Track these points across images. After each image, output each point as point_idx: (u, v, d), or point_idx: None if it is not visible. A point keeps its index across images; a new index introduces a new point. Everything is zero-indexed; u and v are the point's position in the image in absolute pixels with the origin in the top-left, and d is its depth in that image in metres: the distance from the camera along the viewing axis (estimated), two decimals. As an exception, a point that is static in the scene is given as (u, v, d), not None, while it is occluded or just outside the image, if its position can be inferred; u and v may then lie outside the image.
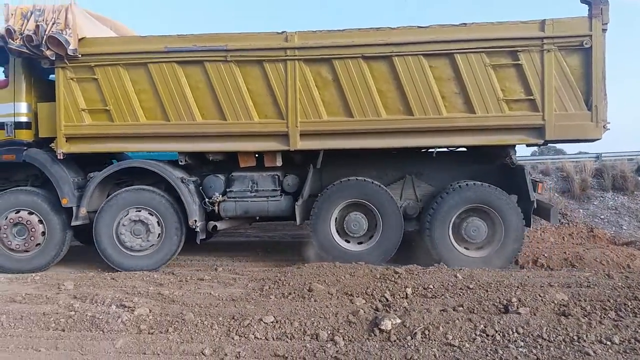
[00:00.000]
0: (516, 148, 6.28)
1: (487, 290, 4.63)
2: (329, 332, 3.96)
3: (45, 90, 6.59)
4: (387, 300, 4.56)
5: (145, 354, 3.84)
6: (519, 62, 5.86)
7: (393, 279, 5.07)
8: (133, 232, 6.41)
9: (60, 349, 3.98)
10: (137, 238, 6.41)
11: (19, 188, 6.65)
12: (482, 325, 3.89)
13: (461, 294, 4.62)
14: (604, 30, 5.82)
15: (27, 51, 6.11)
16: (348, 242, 6.36)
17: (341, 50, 6.01)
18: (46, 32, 5.97)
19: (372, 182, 6.23)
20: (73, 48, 6.12)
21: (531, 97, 5.90)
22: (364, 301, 4.57)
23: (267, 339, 3.93)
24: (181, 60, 6.20)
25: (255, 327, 4.08)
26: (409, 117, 6.04)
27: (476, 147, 6.33)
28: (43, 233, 6.54)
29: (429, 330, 3.86)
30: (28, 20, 6.09)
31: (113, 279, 5.77)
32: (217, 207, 6.53)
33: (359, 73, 6.02)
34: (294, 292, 4.89)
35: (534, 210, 6.36)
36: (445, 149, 6.77)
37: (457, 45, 5.89)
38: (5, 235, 6.50)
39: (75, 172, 6.69)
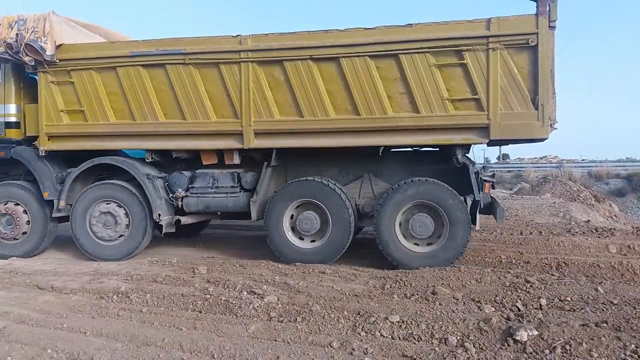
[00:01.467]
0: (475, 148, 6.25)
1: (634, 307, 4.23)
2: (459, 337, 3.84)
3: (32, 93, 7.19)
4: (519, 310, 4.35)
5: (275, 340, 3.92)
6: (464, 61, 5.83)
7: (524, 288, 4.85)
8: (103, 223, 6.90)
9: (199, 329, 4.17)
10: (107, 229, 6.89)
11: (7, 182, 7.31)
12: (632, 345, 3.53)
13: (604, 309, 4.26)
14: (552, 27, 5.70)
15: (9, 57, 6.73)
16: (302, 240, 6.54)
17: (291, 52, 6.21)
18: (24, 40, 6.56)
19: (321, 182, 6.37)
20: (50, 54, 6.67)
21: (476, 97, 5.85)
22: (494, 309, 4.40)
23: (393, 338, 3.89)
24: (145, 64, 6.61)
25: (381, 325, 4.07)
26: (356, 117, 6.15)
27: (424, 146, 6.35)
28: (28, 222, 7.17)
29: (570, 346, 3.60)
30: (12, 29, 6.72)
31: (241, 266, 6.14)
32: (180, 202, 6.91)
33: (309, 74, 6.19)
34: (417, 294, 4.86)
35: (486, 209, 6.34)
36: (408, 149, 6.84)
37: (402, 45, 5.94)
38: None
39: (60, 167, 7.25)
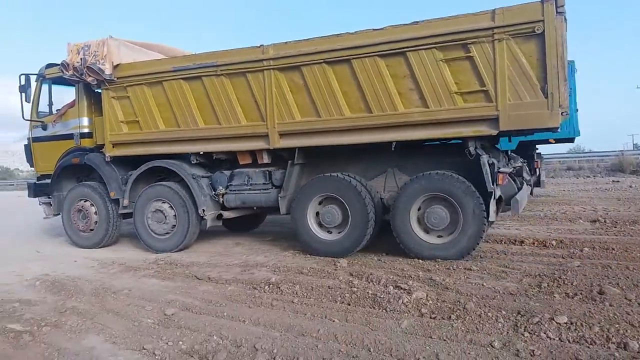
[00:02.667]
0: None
1: None
2: (641, 342, 3.46)
3: (100, 108, 8.33)
4: None
5: (431, 337, 3.83)
6: (471, 54, 5.84)
7: None
8: (156, 219, 7.84)
9: (351, 322, 4.21)
10: (159, 224, 7.82)
11: (82, 183, 8.55)
12: None
13: None
14: (560, 13, 5.54)
15: (77, 78, 7.88)
16: (326, 232, 6.94)
17: (307, 57, 6.59)
18: (87, 63, 7.65)
19: (339, 177, 6.72)
20: (108, 74, 7.71)
21: (484, 89, 5.85)
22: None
23: (562, 341, 3.62)
24: (185, 77, 7.38)
25: (546, 326, 3.83)
26: (368, 114, 6.42)
27: (435, 140, 6.44)
28: (96, 217, 8.35)
29: None
30: (79, 54, 7.85)
31: (380, 260, 6.30)
32: (221, 199, 7.65)
33: (324, 77, 6.55)
34: (581, 293, 4.55)
35: (507, 201, 6.30)
36: (431, 142, 6.95)
37: (409, 43, 6.07)
38: (75, 219, 8.46)
39: (125, 170, 8.32)
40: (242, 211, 7.96)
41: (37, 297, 5.49)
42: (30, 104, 8.79)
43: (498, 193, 6.13)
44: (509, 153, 7.71)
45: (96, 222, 8.37)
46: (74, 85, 8.50)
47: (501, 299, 4.57)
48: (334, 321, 4.26)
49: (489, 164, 6.09)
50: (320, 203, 6.96)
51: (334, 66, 6.52)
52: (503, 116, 5.79)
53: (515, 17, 5.64)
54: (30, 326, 4.50)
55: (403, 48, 6.12)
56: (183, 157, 7.90)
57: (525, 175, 7.48)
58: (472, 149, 6.11)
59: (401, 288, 4.90)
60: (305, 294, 5.04)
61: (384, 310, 4.44)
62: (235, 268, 6.35)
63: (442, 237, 6.32)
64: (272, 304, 4.78)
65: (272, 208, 7.52)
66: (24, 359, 3.87)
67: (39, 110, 8.92)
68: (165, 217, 7.75)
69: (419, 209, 6.41)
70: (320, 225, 6.95)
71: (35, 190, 9.13)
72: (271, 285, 5.34)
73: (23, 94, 8.47)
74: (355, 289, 4.94)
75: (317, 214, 6.95)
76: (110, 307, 4.98)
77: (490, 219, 6.00)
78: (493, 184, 5.97)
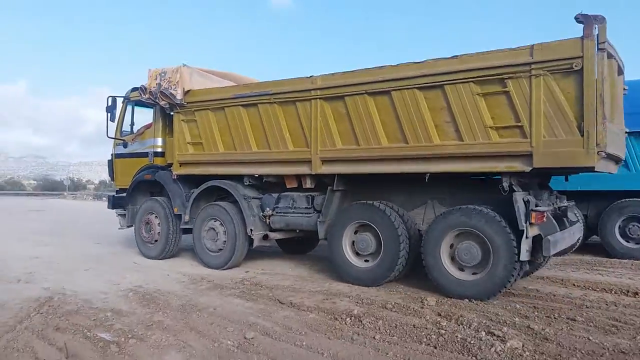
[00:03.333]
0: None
1: None
2: None
3: (172, 129, 9.18)
4: None
5: None
6: (507, 89, 5.78)
7: None
8: (210, 237, 8.40)
9: None
10: (211, 241, 8.37)
11: (151, 198, 9.38)
12: None
13: None
14: (601, 50, 5.35)
15: (152, 102, 8.80)
16: (367, 261, 7.02)
17: (351, 88, 6.86)
18: (160, 89, 8.54)
19: (374, 205, 6.82)
20: (179, 98, 8.53)
21: (519, 124, 5.74)
22: None
23: None
24: (244, 104, 7.98)
25: None
26: (405, 144, 6.53)
27: (469, 173, 6.36)
28: (160, 231, 9.10)
29: None
30: (156, 80, 8.78)
31: (472, 302, 5.89)
32: (268, 220, 8.05)
33: (365, 107, 6.78)
34: None
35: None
36: (476, 177, 6.88)
37: (447, 77, 6.13)
38: (142, 231, 9.30)
39: (190, 188, 9.03)
40: (287, 233, 8.29)
41: (128, 308, 5.76)
42: (115, 123, 9.90)
43: (533, 232, 5.90)
44: (554, 192, 7.36)
45: (159, 234, 9.12)
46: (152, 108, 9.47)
47: (610, 357, 4.11)
48: None
49: (524, 201, 5.91)
50: (355, 231, 7.10)
51: (375, 97, 6.73)
52: (537, 153, 5.64)
53: (554, 53, 5.53)
54: (118, 337, 4.69)
55: (441, 81, 6.21)
56: (239, 178, 8.43)
57: (571, 216, 7.08)
58: (505, 184, 5.98)
59: (494, 335, 4.53)
60: (388, 330, 4.81)
61: (474, 358, 4.11)
62: (318, 295, 6.31)
63: (474, 274, 6.18)
64: (353, 338, 4.59)
65: (313, 232, 7.77)
66: None
67: (123, 129, 10.02)
68: (217, 234, 8.29)
69: (450, 245, 6.33)
70: (355, 252, 7.08)
71: (114, 202, 10.18)
72: (353, 318, 5.17)
73: (109, 114, 9.57)
74: (443, 332, 4.64)
75: (353, 242, 7.09)
76: (194, 325, 5.09)
77: (522, 258, 5.78)
78: (526, 222, 5.78)
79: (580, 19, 5.37)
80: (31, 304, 5.91)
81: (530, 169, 5.72)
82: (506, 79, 5.81)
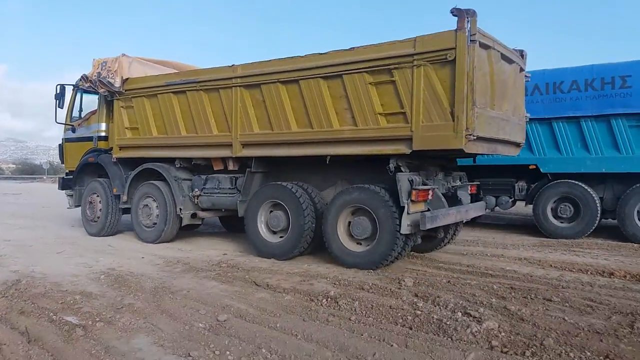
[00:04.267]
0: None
1: None
2: None
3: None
4: None
5: None
6: (393, 78, 6.34)
7: None
8: (145, 213, 8.93)
9: (411, 348, 3.85)
10: (146, 218, 8.91)
11: (94, 179, 9.89)
12: None
13: None
14: (473, 42, 5.88)
15: (92, 90, 9.30)
16: (273, 234, 7.59)
17: (266, 76, 7.38)
18: (99, 77, 9.03)
19: (283, 185, 7.36)
20: (117, 86, 9.02)
21: (403, 111, 6.29)
22: None
23: None
24: (174, 91, 8.48)
25: None
26: (310, 129, 7.06)
27: (362, 156, 6.89)
28: (101, 209, 9.63)
29: None
30: (98, 69, 9.27)
31: (450, 282, 5.87)
32: (197, 200, 8.58)
33: (278, 94, 7.30)
34: None
35: None
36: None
37: (345, 67, 6.67)
38: (86, 209, 9.83)
39: (130, 170, 9.51)
40: (215, 212, 8.83)
41: (98, 291, 5.59)
42: (66, 109, 10.39)
43: (416, 208, 6.43)
44: (457, 174, 7.96)
45: (100, 212, 9.64)
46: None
47: (585, 337, 4.04)
48: (392, 345, 3.90)
49: (408, 181, 6.47)
50: (271, 210, 7.64)
51: (287, 85, 7.24)
52: (416, 136, 6.19)
53: (432, 45, 6.07)
54: (85, 320, 4.54)
55: (340, 71, 6.73)
56: (172, 160, 8.94)
57: (462, 195, 7.65)
58: (392, 165, 6.52)
59: (470, 315, 4.47)
60: (364, 312, 4.73)
61: (449, 339, 4.01)
62: (295, 277, 6.21)
63: (366, 246, 6.74)
64: (328, 320, 4.51)
65: (236, 210, 8.31)
66: (72, 354, 3.85)
67: (73, 115, 10.50)
68: (151, 211, 8.83)
69: (346, 219, 6.89)
70: (269, 229, 7.62)
71: (63, 184, 10.69)
72: (329, 299, 5.09)
73: (57, 101, 10.05)
74: (419, 312, 4.60)
75: (268, 220, 7.63)
76: (166, 307, 4.93)
77: (402, 232, 6.33)
78: (407, 199, 6.32)
79: (455, 12, 5.91)
80: (-3, 287, 5.72)
81: (411, 151, 6.27)
82: (392, 69, 6.34)
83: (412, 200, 6.33)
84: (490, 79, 6.39)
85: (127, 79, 9.11)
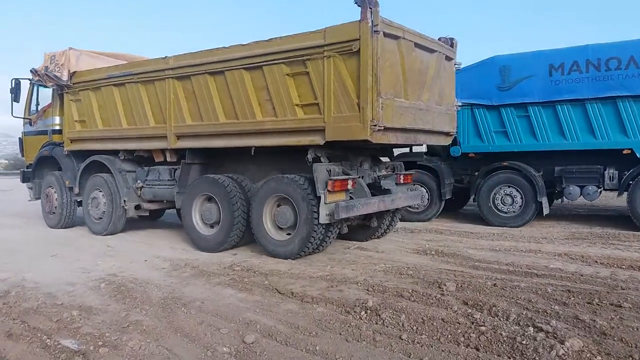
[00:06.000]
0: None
1: None
2: None
3: None
4: None
5: None
6: (307, 70, 6.36)
7: None
8: (94, 205, 9.11)
9: None
10: (94, 209, 9.09)
11: (50, 173, 10.08)
12: None
13: None
14: (376, 32, 5.86)
15: (41, 84, 9.43)
16: (209, 226, 7.70)
17: (195, 68, 7.44)
18: (46, 72, 9.15)
19: (214, 178, 7.44)
20: (65, 79, 9.14)
21: (316, 102, 6.33)
22: None
23: None
24: (114, 83, 8.58)
25: None
26: (236, 121, 7.13)
27: (283, 147, 6.93)
28: (57, 202, 9.83)
29: None
30: (47, 63, 9.39)
31: (495, 285, 5.20)
32: (140, 192, 8.73)
33: (206, 86, 7.36)
34: None
35: None
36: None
37: (265, 58, 6.69)
38: (44, 202, 10.05)
39: (82, 162, 9.66)
40: (158, 204, 8.96)
41: (99, 304, 4.88)
42: (24, 104, 10.56)
43: (334, 198, 6.47)
44: (381, 164, 7.99)
45: (56, 206, 9.85)
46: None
47: None
48: None
49: (327, 171, 6.51)
50: (202, 201, 7.73)
51: (214, 76, 7.29)
52: (328, 128, 6.24)
53: (340, 36, 6.08)
54: (85, 344, 3.87)
55: (260, 62, 6.76)
56: (118, 153, 9.07)
57: (386, 184, 7.65)
58: (309, 156, 6.57)
59: (542, 330, 3.80)
60: (414, 327, 4.04)
61: None
62: (321, 282, 5.55)
63: (288, 235, 6.84)
64: (375, 339, 3.84)
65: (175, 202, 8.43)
66: None
67: (31, 109, 10.67)
68: (99, 203, 9.01)
69: (272, 209, 6.98)
70: (203, 221, 7.72)
71: (23, 177, 10.90)
72: (369, 311, 4.38)
73: (12, 95, 10.21)
74: (483, 328, 3.90)
75: (200, 210, 7.74)
76: (180, 325, 4.24)
77: (320, 221, 6.40)
78: (324, 189, 6.38)
79: (358, 3, 5.88)
80: (-18, 301, 4.95)
81: (324, 142, 6.31)
82: (306, 60, 6.37)
83: (328, 190, 6.38)
84: (401, 69, 6.39)
85: (74, 72, 9.22)
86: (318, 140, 6.39)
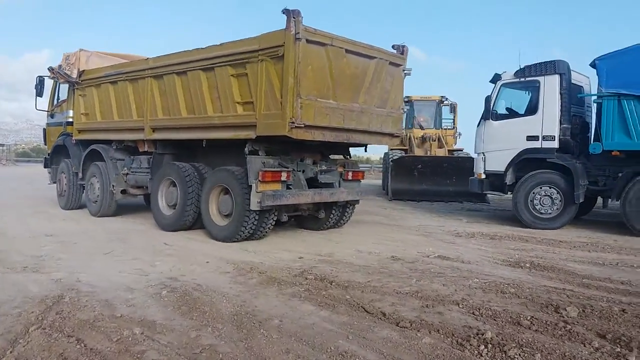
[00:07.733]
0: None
1: None
2: None
3: None
4: None
5: None
6: (246, 71, 7.09)
7: None
8: (92, 190, 10.28)
9: None
10: (92, 193, 10.26)
11: (64, 160, 11.38)
12: None
13: None
14: (298, 39, 6.49)
15: (56, 80, 10.77)
16: (172, 208, 8.56)
17: (166, 68, 8.38)
18: (59, 70, 10.47)
19: (175, 165, 8.33)
20: (74, 77, 10.42)
21: (252, 100, 7.04)
22: None
23: None
24: (110, 81, 9.71)
25: None
26: (193, 115, 7.98)
27: (227, 140, 7.64)
28: (66, 185, 11.13)
29: None
30: (63, 62, 10.72)
31: (624, 311, 4.37)
32: (125, 178, 9.78)
33: (173, 84, 8.26)
34: None
35: None
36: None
37: (217, 60, 7.50)
38: (58, 186, 11.39)
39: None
40: (141, 190, 9.96)
41: (163, 319, 4.15)
42: (49, 98, 12.02)
43: (266, 187, 7.09)
44: (331, 159, 8.52)
45: (65, 190, 11.16)
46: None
47: None
48: None
49: (262, 163, 7.19)
50: (168, 187, 8.62)
51: (180, 76, 8.18)
52: (259, 124, 6.93)
53: (270, 42, 6.78)
54: None
55: (213, 64, 7.57)
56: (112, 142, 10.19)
57: (324, 178, 8.15)
58: (247, 149, 7.27)
59: None
60: None
61: None
62: (411, 299, 4.75)
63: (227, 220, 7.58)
64: None
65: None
66: None
67: (55, 103, 12.09)
68: (95, 188, 10.19)
69: (218, 197, 7.75)
70: (167, 204, 8.62)
71: (45, 163, 12.37)
72: (490, 346, 3.56)
73: (36, 90, 11.66)
74: None
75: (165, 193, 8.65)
76: (262, 355, 3.46)
77: (251, 208, 7.06)
78: (255, 179, 7.04)
79: (284, 12, 6.55)
80: (34, 308, 4.31)
81: (255, 136, 7.01)
82: (246, 63, 7.11)
83: (260, 180, 7.03)
84: (329, 73, 6.96)
85: (83, 70, 10.47)
86: (251, 134, 7.09)
